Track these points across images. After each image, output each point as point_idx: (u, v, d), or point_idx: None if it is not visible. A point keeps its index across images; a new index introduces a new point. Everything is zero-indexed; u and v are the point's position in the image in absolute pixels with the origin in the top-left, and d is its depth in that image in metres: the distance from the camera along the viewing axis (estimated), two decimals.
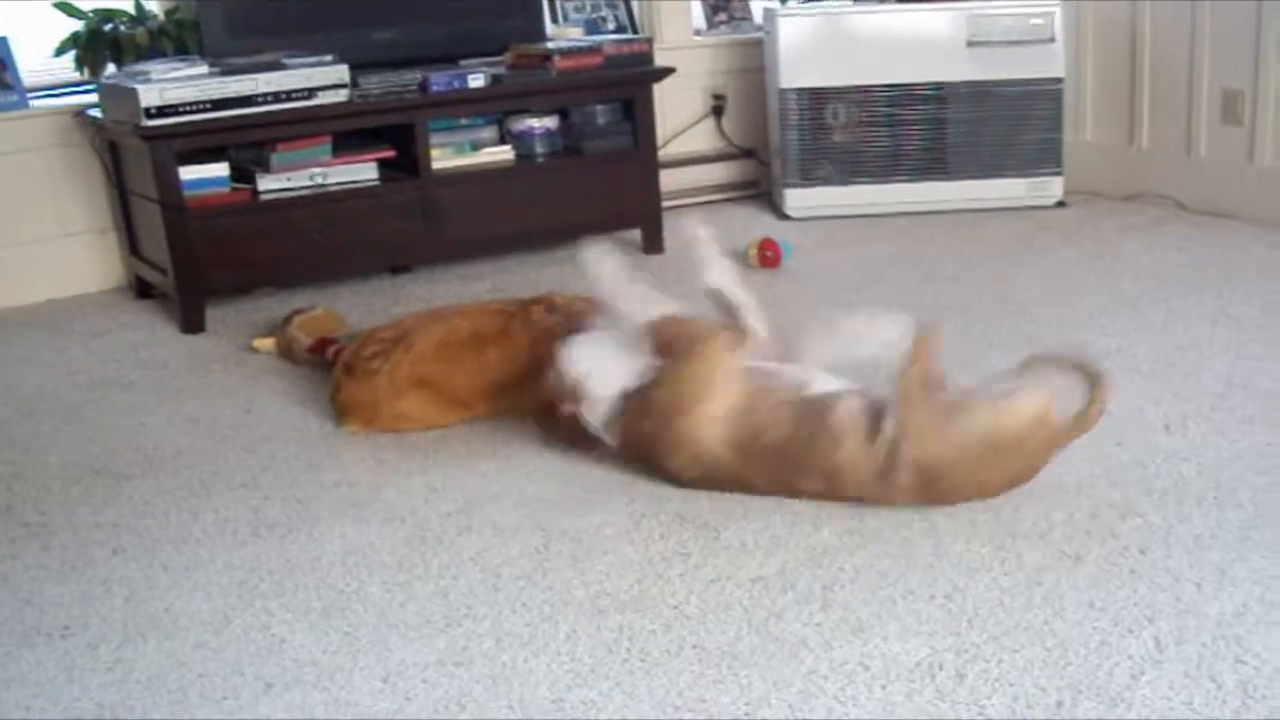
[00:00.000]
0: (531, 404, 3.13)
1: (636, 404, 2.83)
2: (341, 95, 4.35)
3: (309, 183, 4.44)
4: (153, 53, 4.60)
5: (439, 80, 4.52)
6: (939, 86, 5.17)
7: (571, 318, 3.20)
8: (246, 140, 4.36)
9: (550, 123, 4.88)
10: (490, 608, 2.39)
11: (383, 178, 4.56)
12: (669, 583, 2.43)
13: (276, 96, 4.25)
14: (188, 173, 4.24)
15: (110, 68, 4.68)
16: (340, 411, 3.32)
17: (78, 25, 4.69)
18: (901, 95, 5.20)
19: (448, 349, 3.24)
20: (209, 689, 2.18)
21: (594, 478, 2.92)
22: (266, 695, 2.16)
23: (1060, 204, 5.27)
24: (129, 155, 4.52)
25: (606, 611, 2.34)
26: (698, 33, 5.87)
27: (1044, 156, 5.23)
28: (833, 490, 2.66)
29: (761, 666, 2.13)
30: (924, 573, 2.40)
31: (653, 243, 4.97)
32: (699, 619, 2.30)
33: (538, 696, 2.10)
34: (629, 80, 4.86)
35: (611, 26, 5.71)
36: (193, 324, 4.30)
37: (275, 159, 4.38)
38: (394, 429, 3.26)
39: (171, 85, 4.11)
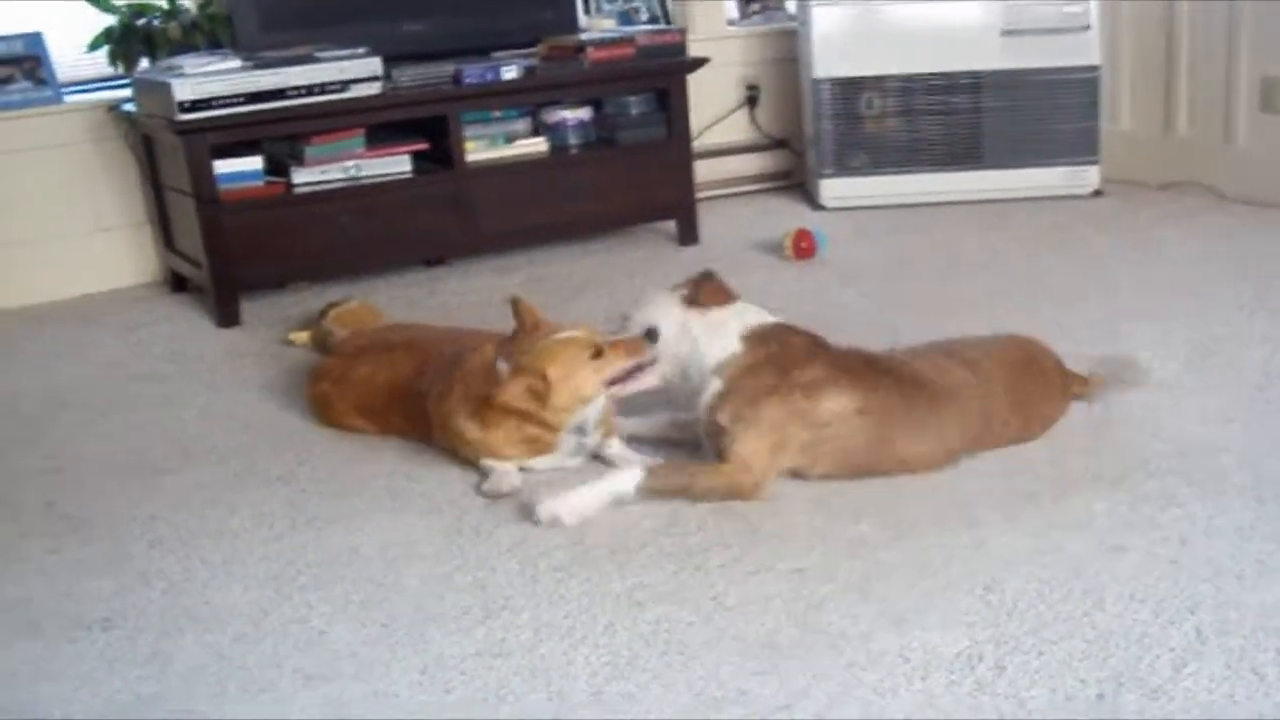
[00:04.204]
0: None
1: None
2: (374, 88, 4.36)
3: (343, 175, 4.44)
4: (186, 47, 4.61)
5: (472, 72, 4.52)
6: (974, 76, 5.14)
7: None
8: (280, 134, 4.36)
9: (584, 114, 4.87)
10: (528, 599, 2.39)
11: (416, 170, 4.56)
12: (707, 574, 2.43)
13: (310, 89, 4.26)
14: (222, 166, 4.25)
15: (144, 62, 4.70)
16: None
17: (111, 20, 4.71)
18: (936, 85, 5.17)
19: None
20: (248, 681, 2.19)
21: None
22: (305, 687, 2.16)
23: (1097, 193, 5.23)
24: (163, 149, 4.54)
25: (644, 604, 2.34)
26: (731, 23, 5.85)
27: (1080, 145, 5.19)
28: None
29: (801, 658, 2.13)
30: (963, 564, 2.39)
31: (687, 234, 4.96)
32: (738, 610, 2.29)
33: (576, 688, 2.09)
34: (662, 71, 4.84)
35: (644, 17, 5.70)
36: (228, 318, 4.31)
37: (309, 152, 4.39)
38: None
39: (205, 79, 4.12)
